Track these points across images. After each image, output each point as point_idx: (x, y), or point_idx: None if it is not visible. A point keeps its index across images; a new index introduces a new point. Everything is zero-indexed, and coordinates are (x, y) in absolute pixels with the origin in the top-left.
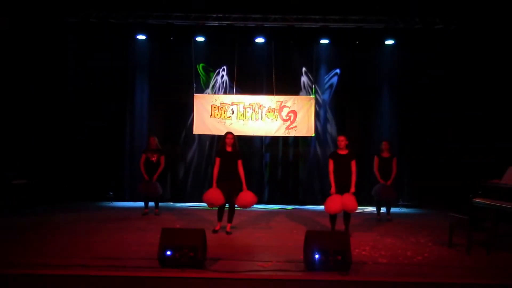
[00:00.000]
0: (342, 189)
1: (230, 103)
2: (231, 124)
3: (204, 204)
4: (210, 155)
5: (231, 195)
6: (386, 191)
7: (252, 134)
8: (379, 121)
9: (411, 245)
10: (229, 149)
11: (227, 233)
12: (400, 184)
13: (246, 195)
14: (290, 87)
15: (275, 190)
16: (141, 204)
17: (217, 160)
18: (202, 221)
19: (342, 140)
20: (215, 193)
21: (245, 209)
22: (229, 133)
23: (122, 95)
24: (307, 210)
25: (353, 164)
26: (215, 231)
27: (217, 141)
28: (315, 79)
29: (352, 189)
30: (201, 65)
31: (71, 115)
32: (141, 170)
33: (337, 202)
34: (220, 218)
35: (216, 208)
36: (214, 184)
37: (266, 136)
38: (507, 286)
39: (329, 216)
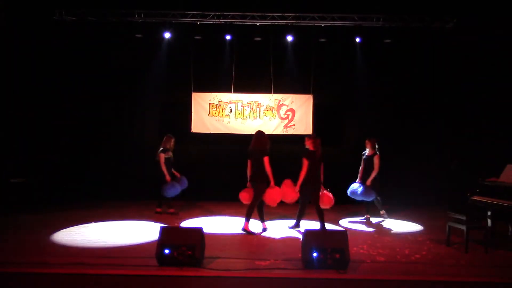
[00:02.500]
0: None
1: (228, 102)
2: (229, 122)
3: (204, 203)
4: (209, 154)
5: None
6: (363, 190)
7: (250, 133)
8: (377, 120)
9: (409, 243)
10: None
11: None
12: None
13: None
14: (288, 86)
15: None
16: (139, 202)
17: (267, 159)
18: (202, 219)
19: (305, 140)
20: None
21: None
22: None
23: (121, 94)
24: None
25: (303, 162)
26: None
27: (215, 139)
28: (314, 78)
29: (296, 186)
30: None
31: (69, 114)
32: (163, 170)
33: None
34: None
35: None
36: (273, 182)
37: None
38: (505, 284)
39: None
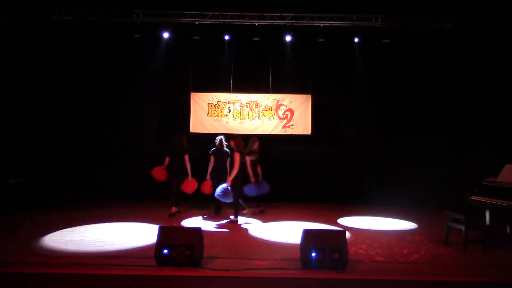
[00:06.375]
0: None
1: (227, 102)
2: (228, 122)
3: (203, 202)
4: (208, 154)
5: None
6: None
7: (248, 133)
8: (376, 120)
9: (408, 243)
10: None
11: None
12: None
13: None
14: (287, 86)
15: (271, 188)
16: (138, 202)
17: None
18: (201, 218)
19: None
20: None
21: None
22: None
23: (119, 93)
24: (304, 208)
25: (211, 158)
26: None
27: (213, 140)
28: (312, 78)
29: (207, 176)
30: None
31: (69, 114)
32: (249, 172)
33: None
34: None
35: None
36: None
37: (262, 135)
38: (503, 284)
39: None
